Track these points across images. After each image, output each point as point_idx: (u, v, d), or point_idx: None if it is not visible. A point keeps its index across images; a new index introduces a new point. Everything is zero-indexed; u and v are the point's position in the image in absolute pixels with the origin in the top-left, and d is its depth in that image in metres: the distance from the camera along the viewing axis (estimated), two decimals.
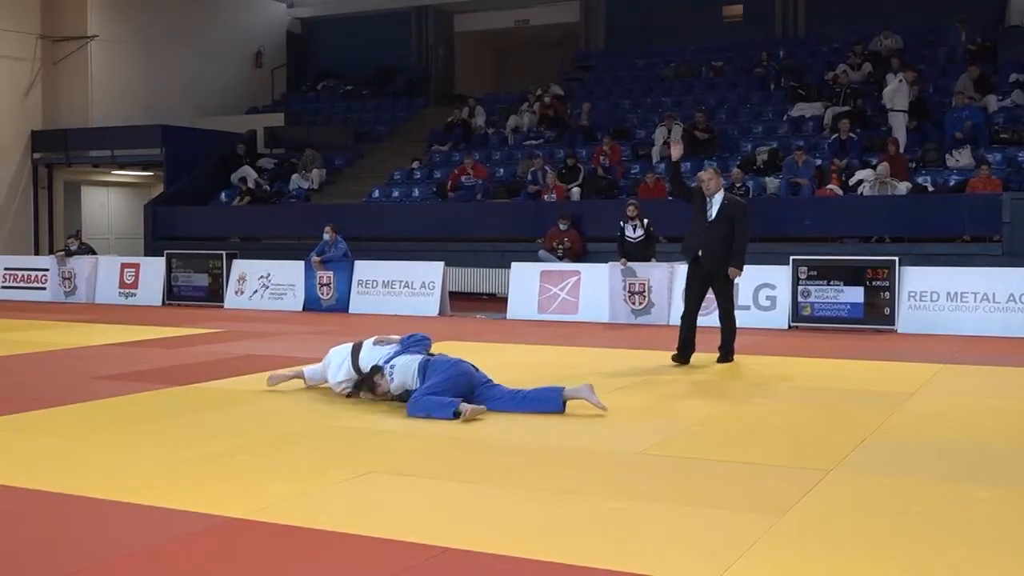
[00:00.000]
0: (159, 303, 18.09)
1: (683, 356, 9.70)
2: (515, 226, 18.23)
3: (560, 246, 16.43)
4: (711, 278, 9.76)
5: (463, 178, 19.45)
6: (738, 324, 9.96)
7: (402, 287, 15.82)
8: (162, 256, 18.59)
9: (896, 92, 17.51)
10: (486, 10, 27.80)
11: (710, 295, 10.00)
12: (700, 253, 9.70)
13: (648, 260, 14.53)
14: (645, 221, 14.85)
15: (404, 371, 7.43)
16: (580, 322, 14.25)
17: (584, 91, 23.52)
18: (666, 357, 9.85)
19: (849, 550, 4.27)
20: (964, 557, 4.19)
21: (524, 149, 20.81)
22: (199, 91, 26.21)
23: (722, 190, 9.78)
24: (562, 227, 16.54)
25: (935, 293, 12.84)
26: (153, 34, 25.16)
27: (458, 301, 16.19)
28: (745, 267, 9.93)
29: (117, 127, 23.42)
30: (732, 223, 9.61)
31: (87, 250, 19.73)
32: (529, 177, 18.88)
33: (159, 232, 21.85)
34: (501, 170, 20.47)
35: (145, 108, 24.61)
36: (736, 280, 9.94)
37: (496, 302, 16.29)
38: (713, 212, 9.64)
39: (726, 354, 9.78)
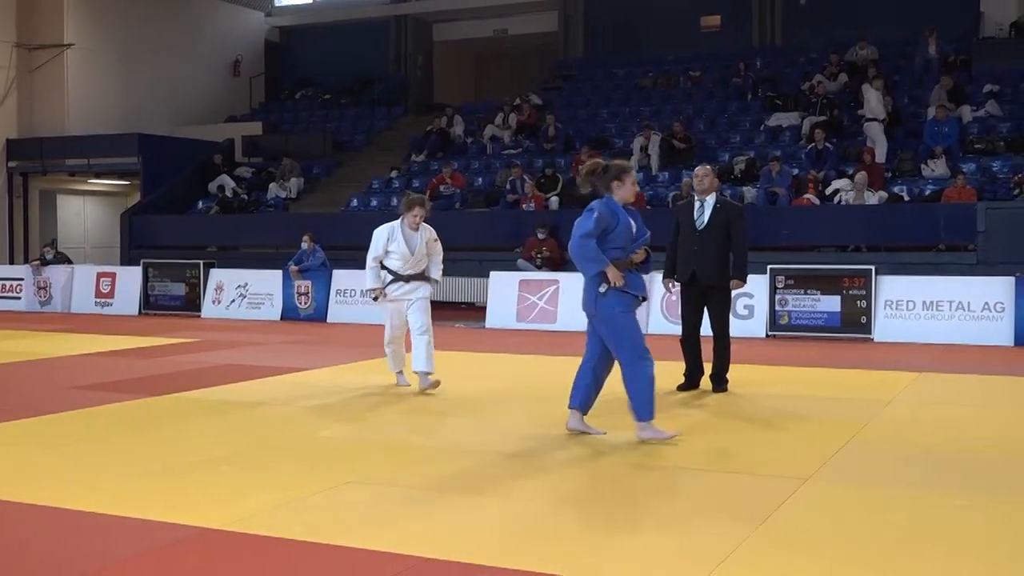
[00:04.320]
0: (135, 312, 17.98)
1: (691, 383, 8.75)
2: (493, 235, 18.22)
3: (539, 255, 16.45)
4: (707, 294, 8.68)
5: (441, 187, 19.44)
6: None
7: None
8: (138, 265, 18.50)
9: (875, 103, 17.66)
10: (465, 19, 27.83)
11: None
12: (694, 271, 8.60)
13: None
14: None
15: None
16: (559, 331, 14.25)
17: (563, 100, 23.57)
18: None
19: (826, 558, 4.28)
20: (942, 564, 4.22)
21: (502, 158, 20.84)
22: (176, 100, 26.11)
23: (715, 192, 8.82)
24: (540, 236, 16.56)
25: (911, 302, 12.93)
26: (130, 43, 25.05)
27: (436, 310, 16.00)
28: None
29: (93, 136, 23.29)
30: (727, 229, 8.58)
31: (63, 259, 19.61)
32: (507, 186, 18.89)
33: (135, 241, 21.74)
34: (480, 179, 20.47)
35: (122, 117, 24.50)
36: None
37: (475, 311, 16.29)
38: (705, 218, 8.60)
39: (720, 382, 8.71)
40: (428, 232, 8.87)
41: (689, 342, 8.79)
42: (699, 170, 8.91)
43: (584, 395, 6.78)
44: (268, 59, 29.20)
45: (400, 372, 9.15)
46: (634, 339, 6.57)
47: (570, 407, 6.81)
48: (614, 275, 6.48)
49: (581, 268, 6.73)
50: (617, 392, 6.54)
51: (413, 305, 8.85)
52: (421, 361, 8.68)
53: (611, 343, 6.62)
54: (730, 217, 8.69)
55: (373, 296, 8.97)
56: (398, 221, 8.89)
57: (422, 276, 8.91)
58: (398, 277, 8.81)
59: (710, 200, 8.70)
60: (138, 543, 4.56)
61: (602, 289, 6.54)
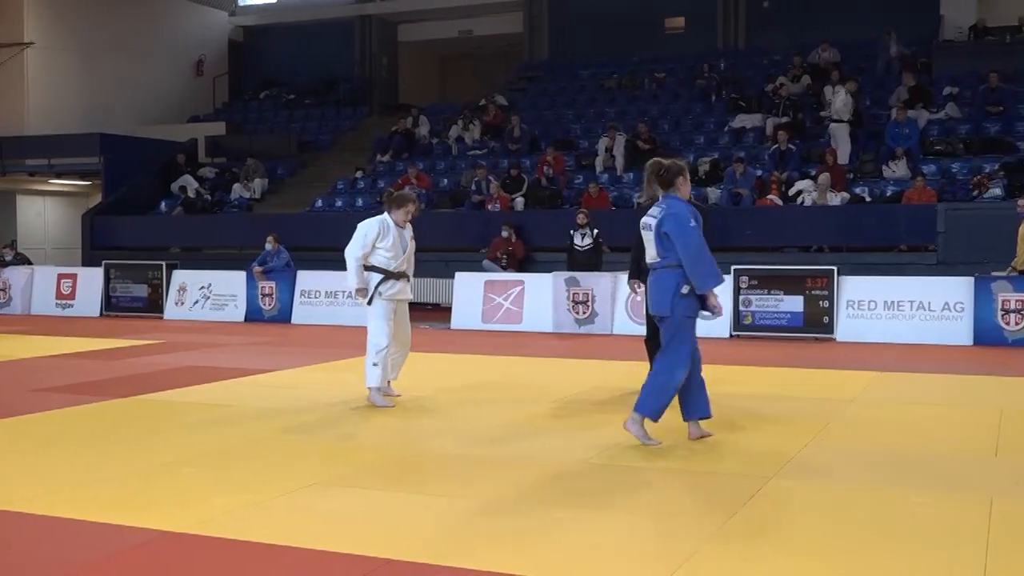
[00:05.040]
0: (97, 314, 17.81)
1: None
2: (459, 236, 18.21)
3: (504, 256, 16.46)
4: None
5: (407, 188, 19.41)
6: None
7: (345, 297, 15.69)
8: (100, 267, 18.31)
9: (842, 104, 17.83)
10: (430, 20, 27.82)
11: None
12: None
13: (595, 269, 14.65)
14: (595, 231, 15.00)
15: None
16: (524, 332, 14.27)
17: (528, 101, 23.60)
18: (611, 366, 9.88)
19: (788, 556, 4.32)
20: (903, 562, 4.26)
21: (468, 159, 20.84)
22: (139, 99, 25.89)
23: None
24: (505, 235, 16.58)
25: (872, 302, 13.06)
26: (92, 41, 24.81)
27: None
28: None
29: (54, 135, 23.02)
30: None
31: (23, 260, 19.39)
32: (473, 187, 18.90)
33: (97, 242, 21.53)
34: (445, 180, 20.47)
35: (83, 116, 24.24)
36: None
37: (440, 312, 16.27)
38: None
39: None
40: (409, 228, 8.47)
41: (653, 341, 8.64)
42: None
43: (697, 403, 6.63)
44: (232, 59, 29.03)
45: (379, 388, 8.23)
46: (686, 348, 6.47)
47: (685, 419, 6.66)
48: (715, 300, 6.40)
49: (693, 272, 6.32)
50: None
51: (403, 308, 8.46)
52: (396, 370, 8.56)
53: (665, 340, 6.55)
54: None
55: (368, 299, 8.22)
56: (386, 216, 8.30)
57: (405, 274, 8.46)
58: (389, 275, 8.26)
59: None
60: (100, 547, 4.52)
61: (684, 290, 6.39)
